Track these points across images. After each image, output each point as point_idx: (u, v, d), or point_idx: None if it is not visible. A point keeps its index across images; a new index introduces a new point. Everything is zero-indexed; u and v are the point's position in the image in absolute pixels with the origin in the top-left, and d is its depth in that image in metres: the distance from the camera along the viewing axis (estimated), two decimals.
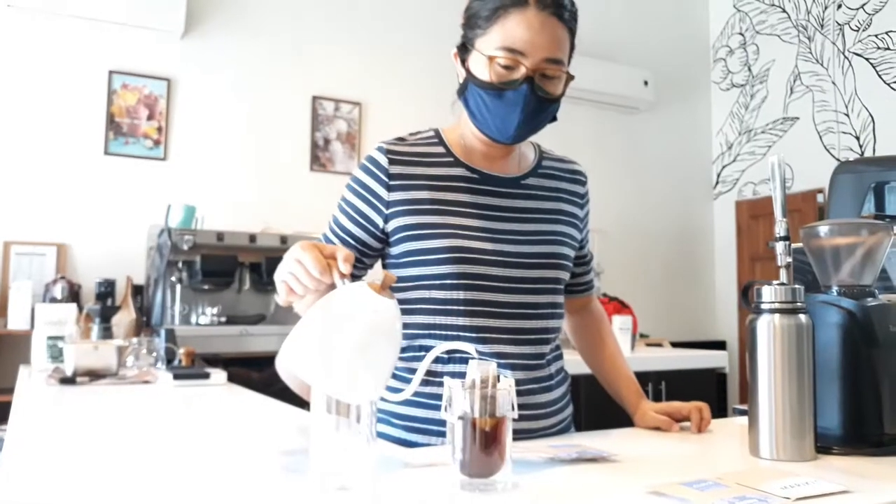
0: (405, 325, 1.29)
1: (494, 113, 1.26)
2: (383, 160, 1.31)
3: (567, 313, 1.52)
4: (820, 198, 4.86)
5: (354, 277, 1.03)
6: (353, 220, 1.33)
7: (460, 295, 1.27)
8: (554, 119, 1.32)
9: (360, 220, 1.33)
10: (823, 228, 1.17)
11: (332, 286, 1.01)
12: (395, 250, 1.32)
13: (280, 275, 1.07)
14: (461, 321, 1.28)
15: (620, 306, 3.99)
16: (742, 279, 5.42)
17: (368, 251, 1.34)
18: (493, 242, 1.30)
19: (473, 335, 1.27)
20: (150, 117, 3.92)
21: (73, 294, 3.39)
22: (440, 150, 1.36)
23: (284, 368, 1.03)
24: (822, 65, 4.98)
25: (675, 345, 4.64)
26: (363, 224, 1.33)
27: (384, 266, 1.37)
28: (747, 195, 5.48)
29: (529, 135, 1.31)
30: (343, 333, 0.92)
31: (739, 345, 5.38)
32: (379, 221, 1.32)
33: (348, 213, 1.34)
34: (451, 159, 1.35)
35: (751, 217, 5.43)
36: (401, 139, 1.36)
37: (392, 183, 1.30)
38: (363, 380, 0.93)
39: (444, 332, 1.28)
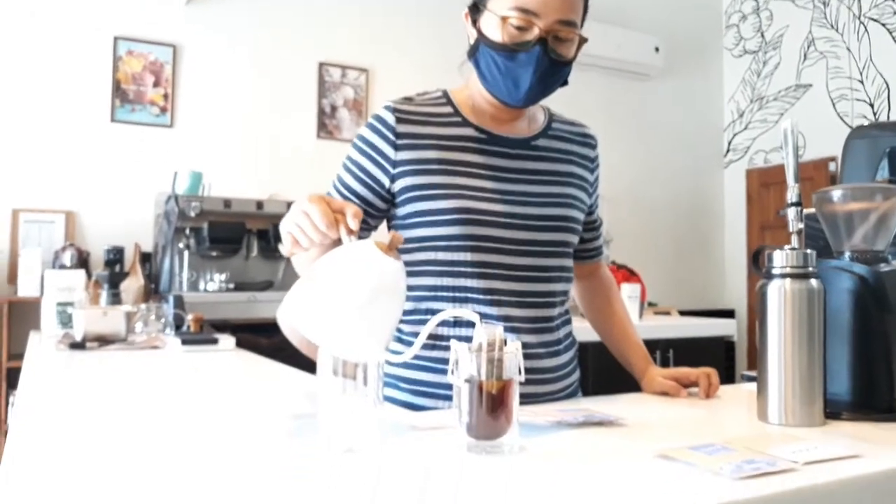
0: (411, 288, 1.29)
1: (506, 74, 1.24)
2: (390, 119, 1.30)
3: (576, 279, 1.51)
4: (832, 166, 4.82)
5: (359, 238, 1.02)
6: (358, 178, 1.32)
7: (468, 257, 1.26)
8: (565, 83, 1.30)
9: (365, 179, 1.31)
10: (837, 193, 1.15)
11: (338, 242, 1.00)
12: (401, 211, 1.31)
13: (286, 225, 1.06)
14: (469, 283, 1.27)
15: (629, 274, 3.98)
16: (752, 248, 5.39)
17: (373, 211, 1.32)
18: (501, 204, 1.28)
19: (481, 297, 1.27)
20: (156, 84, 3.90)
21: (82, 261, 3.39)
22: (448, 109, 1.34)
23: (286, 322, 1.02)
24: (836, 30, 4.90)
25: (683, 313, 4.64)
26: (368, 183, 1.31)
27: (389, 227, 1.36)
28: (758, 163, 5.43)
29: (540, 98, 1.29)
30: (347, 292, 0.92)
31: (748, 313, 5.37)
32: (385, 181, 1.30)
33: (353, 171, 1.32)
34: (460, 119, 1.33)
35: (761, 185, 5.39)
36: (408, 99, 1.34)
37: (399, 142, 1.29)
38: (365, 339, 0.92)
39: (451, 294, 1.28)
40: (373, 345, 0.93)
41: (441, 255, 1.28)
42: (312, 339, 0.93)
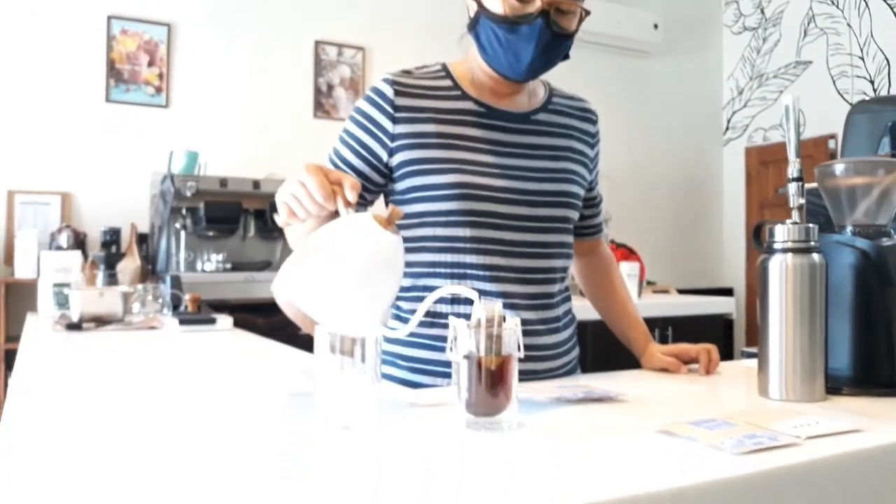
0: (409, 264, 1.28)
1: (507, 48, 1.22)
2: (389, 91, 1.27)
3: (576, 256, 1.50)
4: (832, 143, 4.80)
5: (356, 211, 1.00)
6: (356, 152, 1.29)
7: (466, 232, 1.25)
8: (566, 57, 1.27)
9: (362, 152, 1.29)
10: (839, 167, 1.14)
11: (335, 214, 0.99)
12: (399, 186, 1.29)
13: (282, 195, 1.04)
14: (467, 259, 1.26)
15: (628, 253, 3.98)
16: (751, 226, 5.37)
17: (370, 186, 1.30)
18: (501, 179, 1.27)
19: (480, 273, 1.26)
20: (150, 63, 3.86)
21: (79, 243, 3.38)
22: (448, 83, 1.32)
23: (281, 296, 1.01)
24: (837, 7, 4.86)
25: (681, 292, 4.63)
26: (365, 157, 1.29)
27: (387, 203, 1.34)
28: (757, 141, 5.41)
29: (542, 72, 1.27)
30: (345, 264, 0.90)
31: (747, 292, 5.37)
32: (382, 155, 1.28)
33: (350, 144, 1.30)
34: (459, 93, 1.31)
35: (760, 163, 5.37)
36: (407, 72, 1.32)
37: (397, 115, 1.27)
38: (362, 313, 0.91)
39: (449, 271, 1.26)
40: (370, 319, 0.92)
41: (440, 231, 1.26)
42: (308, 313, 0.92)
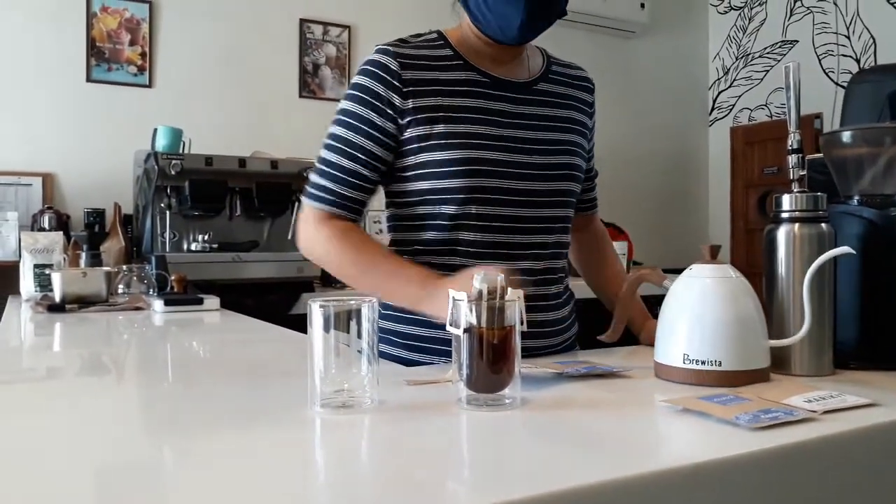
0: (408, 243, 1.24)
1: (495, 12, 1.17)
2: (393, 64, 1.20)
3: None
4: (817, 123, 4.78)
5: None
6: (370, 136, 1.20)
7: (472, 210, 1.20)
8: (563, 13, 1.22)
9: (376, 135, 1.20)
10: (846, 134, 1.11)
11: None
12: (405, 162, 1.22)
13: None
14: (471, 236, 1.21)
15: (616, 232, 3.96)
16: (736, 206, 5.37)
17: (382, 167, 1.22)
18: (507, 153, 1.22)
19: (487, 251, 1.21)
20: (132, 42, 3.78)
21: (62, 224, 3.31)
22: (447, 52, 1.26)
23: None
24: None
25: (667, 272, 4.61)
26: (380, 139, 1.20)
27: (389, 182, 1.28)
28: (743, 121, 5.39)
29: (537, 33, 1.21)
30: (730, 306, 0.98)
31: None
32: (395, 133, 1.21)
33: (361, 129, 1.20)
34: (461, 62, 1.25)
35: (746, 143, 5.34)
36: (403, 41, 1.25)
37: (406, 89, 1.19)
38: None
39: (450, 248, 1.22)
40: None
41: (444, 209, 1.21)
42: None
